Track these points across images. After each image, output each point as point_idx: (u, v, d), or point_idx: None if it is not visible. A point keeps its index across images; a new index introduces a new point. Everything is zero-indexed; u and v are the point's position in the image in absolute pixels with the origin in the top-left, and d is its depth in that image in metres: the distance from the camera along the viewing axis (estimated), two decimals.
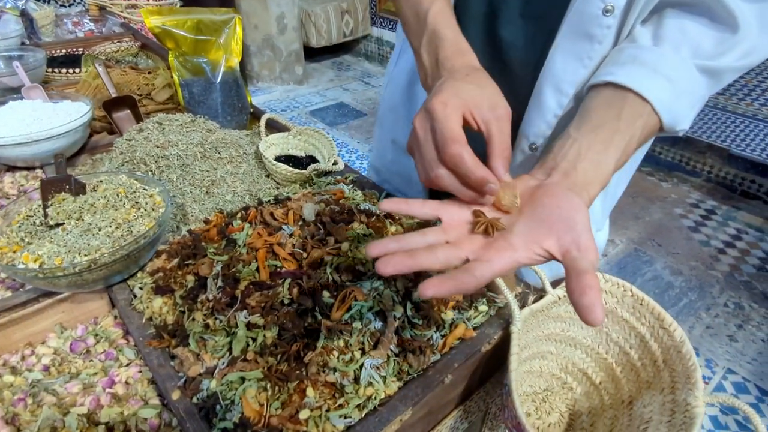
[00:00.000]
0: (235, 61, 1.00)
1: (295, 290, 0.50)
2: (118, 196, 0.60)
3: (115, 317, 0.61)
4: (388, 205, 0.40)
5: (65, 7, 2.21)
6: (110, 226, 0.55)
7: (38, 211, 0.59)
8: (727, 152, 2.51)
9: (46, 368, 0.54)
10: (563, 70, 0.55)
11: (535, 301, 0.57)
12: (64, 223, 0.56)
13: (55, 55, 1.35)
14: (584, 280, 0.33)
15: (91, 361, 0.56)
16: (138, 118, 0.94)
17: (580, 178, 0.41)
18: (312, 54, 4.29)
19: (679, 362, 0.53)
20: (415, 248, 0.36)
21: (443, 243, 0.38)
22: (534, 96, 0.59)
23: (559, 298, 0.58)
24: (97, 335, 0.59)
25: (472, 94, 0.42)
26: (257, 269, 0.53)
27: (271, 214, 0.60)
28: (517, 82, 0.61)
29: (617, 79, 0.46)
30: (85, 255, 0.52)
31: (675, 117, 0.46)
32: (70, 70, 1.20)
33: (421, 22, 0.52)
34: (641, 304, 0.58)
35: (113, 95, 0.92)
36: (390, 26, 4.17)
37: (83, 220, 0.56)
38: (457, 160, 0.39)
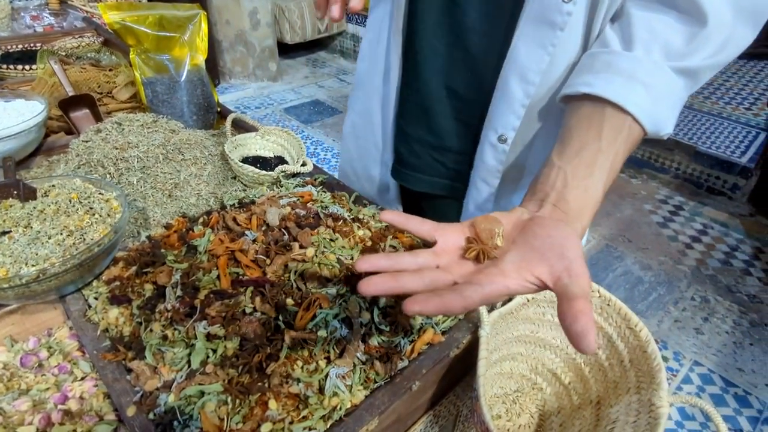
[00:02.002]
0: (200, 59, 0.96)
1: (257, 299, 0.49)
2: (70, 201, 0.57)
3: (71, 328, 0.58)
4: (389, 216, 0.39)
5: None
6: (61, 234, 0.52)
7: None
8: (693, 149, 2.59)
9: None
10: (527, 58, 0.54)
11: (504, 304, 0.57)
12: (10, 231, 0.53)
13: (11, 50, 1.28)
14: (576, 305, 0.32)
15: (44, 375, 0.53)
16: (98, 117, 0.90)
17: (572, 207, 0.40)
18: (286, 50, 4.23)
19: (645, 362, 0.54)
20: (403, 268, 0.36)
21: (433, 267, 0.37)
22: (499, 86, 0.58)
23: (528, 300, 0.58)
24: (50, 348, 0.56)
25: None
26: (218, 277, 0.51)
27: (234, 219, 0.58)
28: (482, 71, 0.60)
29: (594, 91, 0.45)
30: (33, 265, 0.49)
31: (657, 123, 0.45)
32: (27, 67, 1.14)
33: None
34: (609, 305, 0.58)
35: (70, 94, 0.88)
36: (366, 23, 4.14)
37: (31, 227, 0.53)
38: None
